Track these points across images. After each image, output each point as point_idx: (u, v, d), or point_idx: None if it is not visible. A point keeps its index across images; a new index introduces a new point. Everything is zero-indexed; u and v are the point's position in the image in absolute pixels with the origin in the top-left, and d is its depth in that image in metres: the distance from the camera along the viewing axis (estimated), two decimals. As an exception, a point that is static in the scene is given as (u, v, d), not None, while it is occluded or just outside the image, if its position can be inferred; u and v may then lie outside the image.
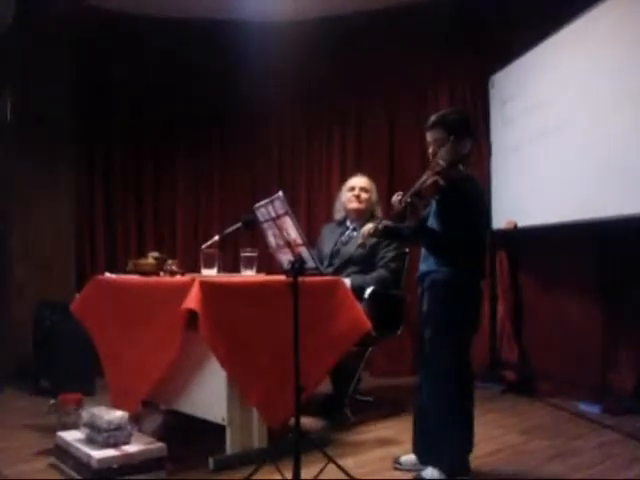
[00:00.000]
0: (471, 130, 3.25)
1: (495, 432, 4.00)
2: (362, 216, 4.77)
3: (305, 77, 6.51)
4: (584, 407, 4.53)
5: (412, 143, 5.96)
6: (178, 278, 3.72)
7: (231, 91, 6.55)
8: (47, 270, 5.80)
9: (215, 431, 3.43)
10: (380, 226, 3.29)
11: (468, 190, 3.10)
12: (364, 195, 4.78)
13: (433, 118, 3.20)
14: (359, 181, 4.85)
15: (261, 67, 6.39)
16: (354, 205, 4.78)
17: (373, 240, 4.20)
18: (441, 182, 2.99)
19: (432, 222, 3.18)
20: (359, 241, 3.51)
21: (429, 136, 3.19)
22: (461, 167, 3.16)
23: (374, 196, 4.83)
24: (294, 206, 6.20)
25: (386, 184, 5.96)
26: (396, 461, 3.34)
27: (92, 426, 3.21)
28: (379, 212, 4.78)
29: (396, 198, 3.02)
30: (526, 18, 5.29)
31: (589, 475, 3.23)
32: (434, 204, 3.18)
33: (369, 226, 3.35)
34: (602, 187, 4.21)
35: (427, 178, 3.02)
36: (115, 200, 6.33)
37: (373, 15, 6.22)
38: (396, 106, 6.30)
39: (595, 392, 4.61)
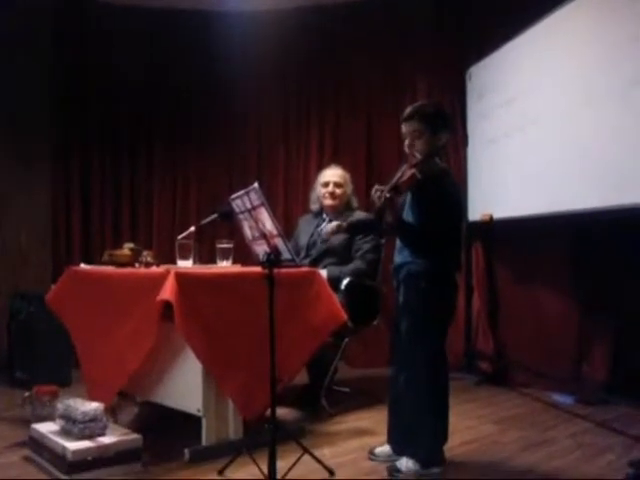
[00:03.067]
0: (447, 122, 3.26)
1: (470, 422, 4.03)
2: (338, 210, 4.77)
3: (283, 68, 6.50)
4: (558, 397, 4.58)
5: (390, 135, 5.96)
6: (153, 269, 3.71)
7: (209, 81, 6.52)
8: (22, 261, 5.77)
9: (191, 422, 3.43)
10: (344, 224, 3.32)
11: (444, 183, 3.12)
12: (338, 191, 4.77)
13: (409, 110, 3.21)
14: (333, 175, 4.83)
15: (239, 58, 6.38)
16: (329, 202, 4.77)
17: (343, 237, 4.38)
18: (418, 175, 3.00)
19: (407, 214, 3.20)
20: (322, 237, 3.66)
21: (405, 128, 3.19)
22: (437, 160, 3.18)
23: (349, 189, 4.83)
24: (272, 197, 6.20)
25: (364, 176, 5.98)
26: (371, 452, 3.36)
27: (67, 418, 3.20)
28: (355, 203, 4.79)
29: (375, 194, 3.03)
30: (503, 11, 5.31)
31: (562, 464, 3.27)
32: (409, 196, 3.19)
33: (332, 224, 3.40)
34: (577, 180, 4.24)
35: (404, 172, 3.03)
36: (91, 191, 6.27)
37: (351, 7, 6.22)
38: (374, 98, 6.30)
39: (569, 383, 4.67)
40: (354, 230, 4.05)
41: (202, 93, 6.56)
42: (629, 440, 3.62)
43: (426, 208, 3.10)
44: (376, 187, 3.05)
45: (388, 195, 2.99)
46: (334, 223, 3.44)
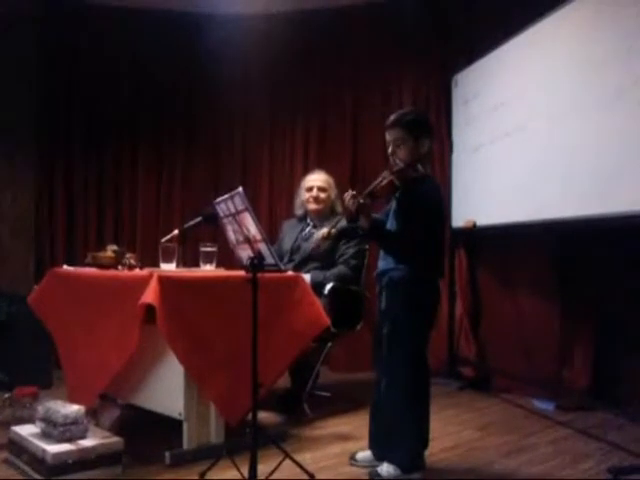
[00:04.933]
0: (430, 130, 3.27)
1: (452, 428, 4.05)
2: (322, 215, 4.78)
3: (270, 73, 6.49)
4: (538, 404, 4.61)
5: (375, 140, 5.96)
6: (136, 272, 3.70)
7: (196, 84, 6.53)
8: (5, 261, 5.74)
9: (172, 426, 3.42)
10: (333, 230, 3.35)
11: (425, 190, 3.13)
12: (322, 195, 4.79)
13: (393, 117, 3.22)
14: (317, 180, 4.85)
15: (227, 61, 6.37)
16: (313, 207, 4.80)
17: (328, 243, 4.31)
18: (396, 182, 3.02)
19: (392, 221, 3.21)
20: (312, 245, 3.64)
21: (388, 135, 3.21)
22: (419, 167, 3.19)
23: (333, 193, 4.84)
24: (256, 201, 6.21)
25: (349, 181, 5.97)
26: (352, 457, 3.36)
27: (48, 420, 3.18)
28: (339, 207, 4.79)
29: (350, 200, 3.04)
30: (490, 18, 5.35)
31: (542, 470, 3.29)
32: (394, 203, 3.20)
33: (323, 230, 3.42)
34: (560, 188, 4.26)
35: (383, 178, 3.05)
36: (75, 192, 6.24)
37: (338, 13, 6.23)
38: (360, 103, 6.30)
39: (550, 389, 4.69)
40: (344, 236, 4.08)
41: (188, 96, 6.55)
42: (608, 446, 3.65)
43: (407, 215, 3.12)
44: (350, 193, 3.06)
45: (362, 201, 3.01)
46: (322, 231, 3.44)
